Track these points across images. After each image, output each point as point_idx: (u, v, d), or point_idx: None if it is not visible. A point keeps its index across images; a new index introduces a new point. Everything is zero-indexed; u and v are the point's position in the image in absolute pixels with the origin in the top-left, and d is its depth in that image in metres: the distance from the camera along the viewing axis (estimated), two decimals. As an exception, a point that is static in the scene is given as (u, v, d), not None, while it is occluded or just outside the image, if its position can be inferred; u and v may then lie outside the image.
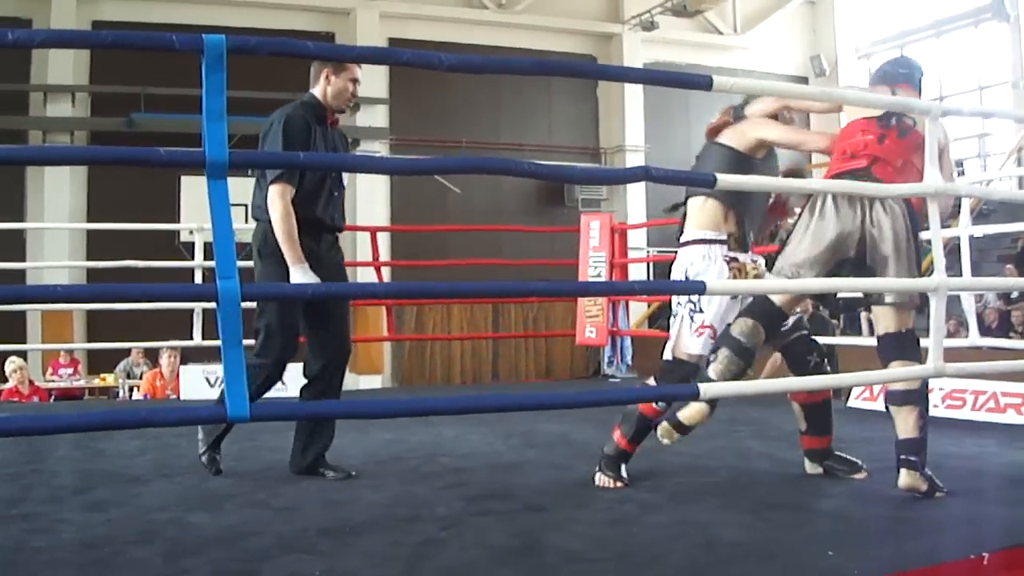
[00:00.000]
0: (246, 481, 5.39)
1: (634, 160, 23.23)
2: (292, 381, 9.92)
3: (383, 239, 18.56)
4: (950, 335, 11.74)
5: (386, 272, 16.09)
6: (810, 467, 5.55)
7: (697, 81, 4.32)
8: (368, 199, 20.47)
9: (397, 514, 4.51)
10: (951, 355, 6.39)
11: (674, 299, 5.48)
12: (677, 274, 5.38)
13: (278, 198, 5.15)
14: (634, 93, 23.51)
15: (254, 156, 3.87)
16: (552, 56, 22.32)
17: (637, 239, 20.33)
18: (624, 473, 5.29)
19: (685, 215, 5.45)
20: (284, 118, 5.30)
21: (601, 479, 5.27)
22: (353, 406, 4.74)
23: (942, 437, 6.69)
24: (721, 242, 5.28)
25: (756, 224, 5.50)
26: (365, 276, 13.10)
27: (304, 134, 5.28)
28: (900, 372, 5.16)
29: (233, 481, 5.40)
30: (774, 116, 5.50)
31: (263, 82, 18.70)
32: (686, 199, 5.43)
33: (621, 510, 4.50)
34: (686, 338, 5.30)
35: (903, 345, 5.14)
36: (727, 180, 4.24)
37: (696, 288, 4.59)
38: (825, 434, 5.53)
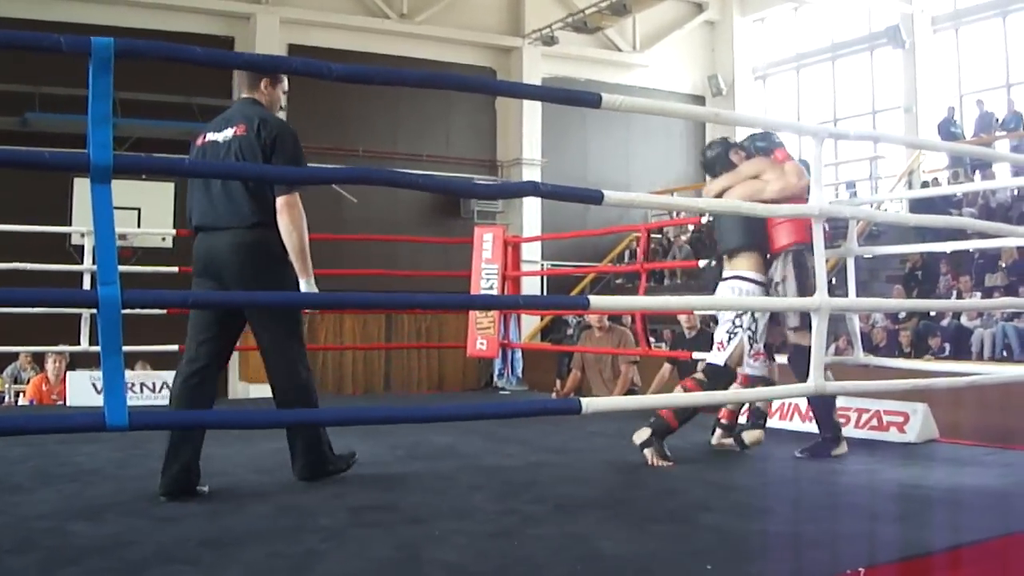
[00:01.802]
0: (128, 490, 5.31)
1: (531, 173, 23.38)
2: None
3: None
4: (839, 352, 11.93)
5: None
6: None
7: (586, 99, 4.36)
8: (262, 206, 20.31)
9: (280, 525, 4.48)
10: (838, 372, 6.56)
11: (728, 318, 6.72)
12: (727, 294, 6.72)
13: (295, 208, 5.22)
14: (532, 107, 23.66)
15: (140, 161, 3.81)
16: (453, 68, 22.39)
17: (532, 252, 20.43)
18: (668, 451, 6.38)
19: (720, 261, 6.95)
20: (291, 130, 5.40)
21: (649, 456, 6.30)
22: (238, 415, 4.71)
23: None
24: (762, 284, 6.71)
25: None
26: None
27: None
28: (782, 390, 5.27)
29: (115, 489, 5.33)
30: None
31: (158, 85, 18.60)
32: (722, 253, 6.88)
33: (503, 522, 4.49)
34: (747, 359, 6.70)
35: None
36: (613, 197, 4.28)
37: (579, 303, 4.61)
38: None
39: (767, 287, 6.71)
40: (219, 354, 5.45)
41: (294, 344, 5.50)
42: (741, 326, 6.61)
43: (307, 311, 5.37)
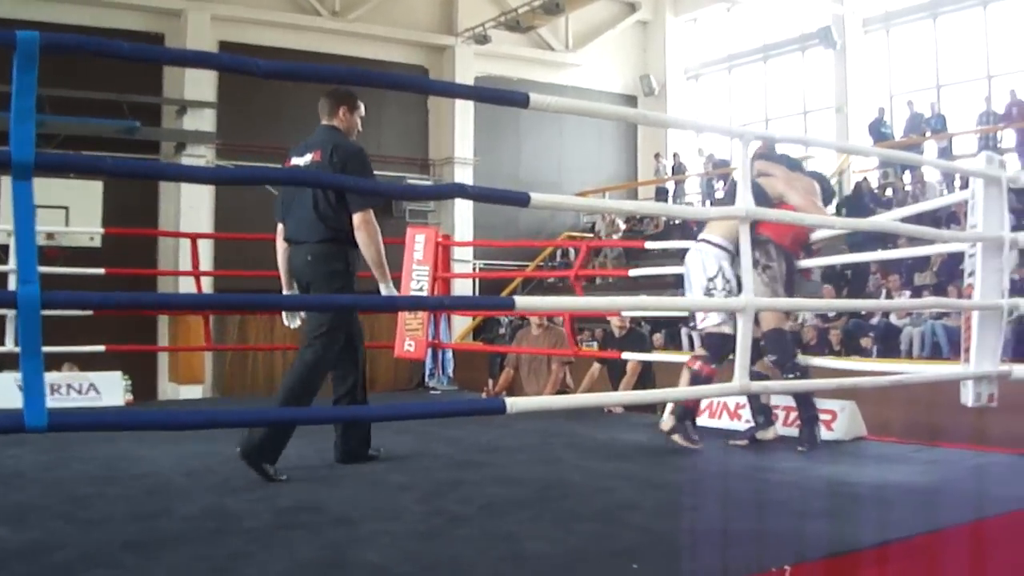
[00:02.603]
0: (53, 493, 5.25)
1: (463, 172, 23.39)
2: (106, 390, 9.79)
3: (207, 247, 18.30)
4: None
5: (209, 281, 15.89)
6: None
7: (514, 98, 4.35)
8: (193, 204, 20.10)
9: (205, 527, 4.45)
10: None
11: (700, 283, 7.03)
12: (698, 264, 7.02)
13: (370, 224, 5.99)
14: (464, 106, 23.65)
15: (61, 159, 3.76)
16: (385, 66, 22.32)
17: (463, 252, 20.43)
18: (694, 434, 6.91)
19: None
20: (362, 150, 6.24)
21: (679, 440, 6.79)
22: (168, 416, 4.65)
23: (755, 452, 6.87)
24: (727, 251, 6.94)
25: None
26: (186, 285, 12.85)
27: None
28: (709, 389, 5.31)
29: (40, 493, 5.27)
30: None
31: (88, 82, 18.39)
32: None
33: (430, 523, 4.50)
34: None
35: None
36: (540, 199, 4.28)
37: (506, 304, 4.60)
38: None
39: (733, 254, 6.86)
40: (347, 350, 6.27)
41: (317, 347, 6.05)
42: (716, 288, 6.91)
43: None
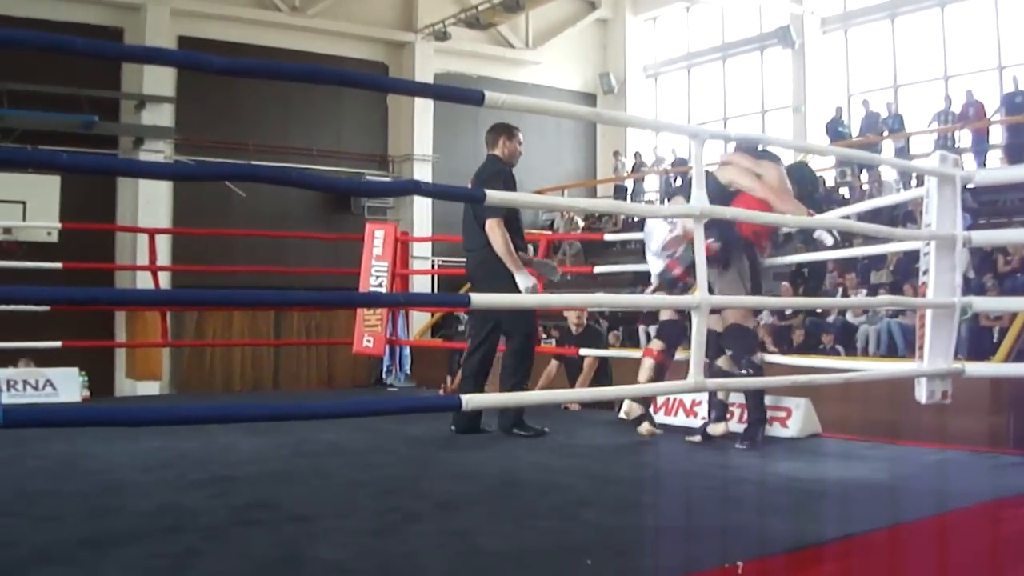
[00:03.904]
0: (7, 490, 5.22)
1: (422, 169, 23.34)
2: (63, 386, 9.73)
3: (165, 242, 18.21)
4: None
5: (167, 276, 15.82)
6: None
7: (469, 96, 4.36)
8: (150, 200, 19.99)
9: (160, 523, 4.42)
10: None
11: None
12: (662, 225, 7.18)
13: (495, 229, 7.15)
14: (424, 103, 23.57)
15: (18, 154, 3.75)
16: (345, 62, 22.29)
17: (423, 249, 20.38)
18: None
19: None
20: (500, 179, 7.27)
21: (645, 431, 7.08)
22: (121, 413, 4.64)
23: (708, 449, 6.88)
24: None
25: None
26: (144, 280, 12.76)
27: (512, 180, 7.47)
28: (664, 386, 5.35)
29: (-8, 489, 5.25)
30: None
31: (47, 76, 18.27)
32: None
33: (385, 519, 4.48)
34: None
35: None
36: (495, 196, 4.30)
37: (461, 301, 4.63)
38: None
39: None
40: (485, 339, 7.54)
41: (516, 334, 7.42)
42: (666, 253, 7.18)
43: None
